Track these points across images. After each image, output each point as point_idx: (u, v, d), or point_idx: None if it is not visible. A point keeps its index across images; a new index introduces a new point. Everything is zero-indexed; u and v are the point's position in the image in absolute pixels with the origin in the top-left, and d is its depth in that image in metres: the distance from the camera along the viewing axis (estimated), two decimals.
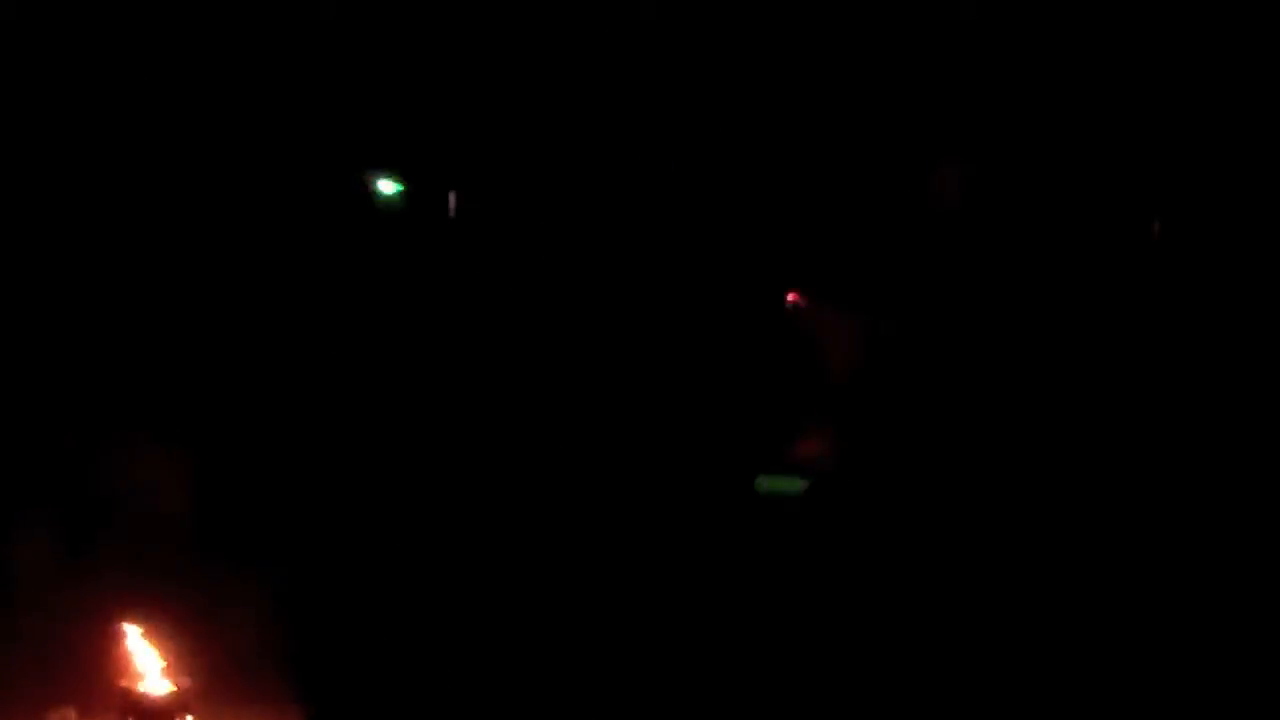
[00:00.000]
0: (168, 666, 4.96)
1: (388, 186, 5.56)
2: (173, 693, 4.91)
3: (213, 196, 5.56)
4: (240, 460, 5.37)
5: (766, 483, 5.49)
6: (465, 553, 5.44)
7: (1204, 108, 5.49)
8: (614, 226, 5.62)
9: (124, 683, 4.92)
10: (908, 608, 5.32)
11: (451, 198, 5.61)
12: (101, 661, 4.96)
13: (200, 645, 5.04)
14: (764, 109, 5.60)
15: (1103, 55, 5.51)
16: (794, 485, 5.48)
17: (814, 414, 5.53)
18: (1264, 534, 5.28)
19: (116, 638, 4.96)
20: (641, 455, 5.53)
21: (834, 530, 5.44)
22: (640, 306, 5.60)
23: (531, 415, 5.55)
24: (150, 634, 4.99)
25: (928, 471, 5.45)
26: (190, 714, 4.91)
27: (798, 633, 5.32)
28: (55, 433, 5.27)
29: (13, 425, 5.28)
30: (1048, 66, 5.53)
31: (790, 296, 5.55)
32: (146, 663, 4.95)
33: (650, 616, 5.36)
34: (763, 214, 5.61)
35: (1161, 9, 5.48)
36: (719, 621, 5.35)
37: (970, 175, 5.51)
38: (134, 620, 4.99)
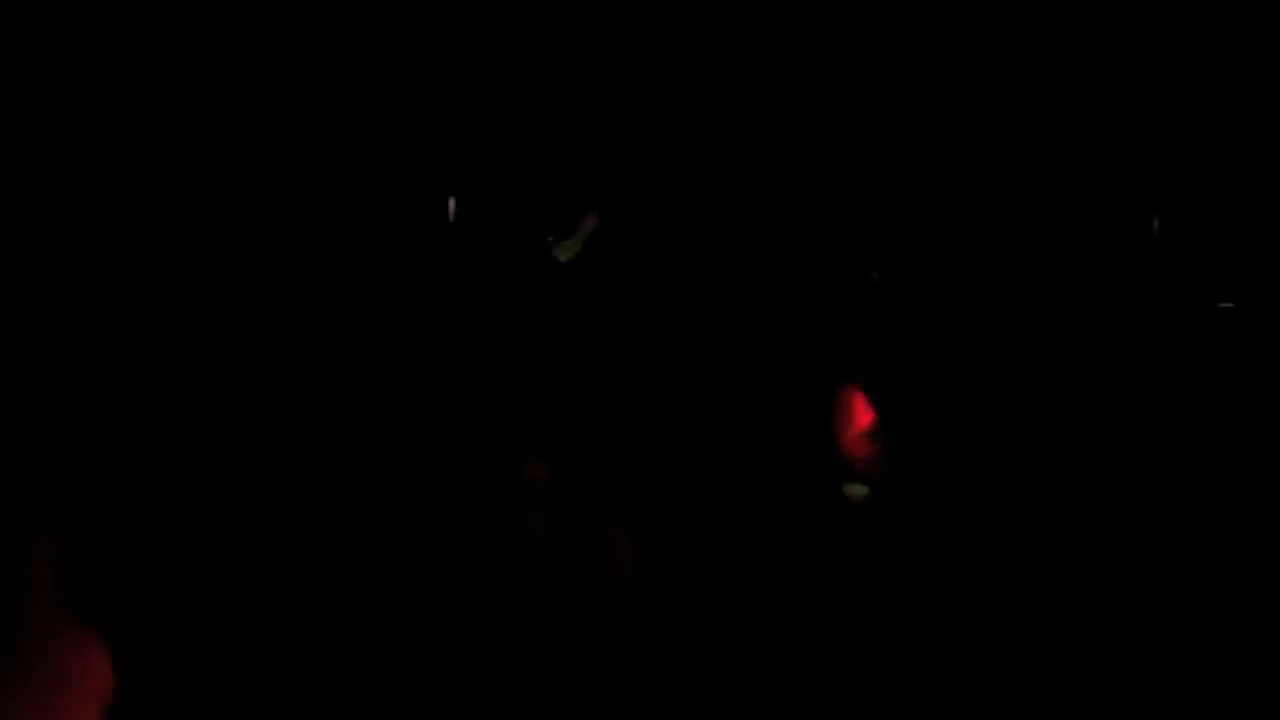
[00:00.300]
0: None
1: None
2: None
3: (210, 202, 5.54)
4: (246, 471, 5.35)
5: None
6: (462, 556, 5.44)
7: (1204, 107, 5.50)
8: (613, 229, 5.61)
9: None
10: (902, 608, 5.34)
11: (451, 203, 5.61)
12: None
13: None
14: (759, 109, 5.60)
15: (1101, 54, 5.51)
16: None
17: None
18: (1264, 534, 5.30)
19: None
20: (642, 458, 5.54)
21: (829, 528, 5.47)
22: (642, 309, 5.59)
23: (534, 419, 5.54)
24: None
25: (923, 471, 5.46)
26: None
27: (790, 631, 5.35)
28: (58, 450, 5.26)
29: (15, 443, 5.26)
30: (1046, 64, 5.53)
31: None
32: None
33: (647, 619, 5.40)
34: (760, 215, 5.61)
35: (1161, 9, 5.49)
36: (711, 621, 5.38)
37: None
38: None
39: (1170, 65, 5.49)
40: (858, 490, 5.40)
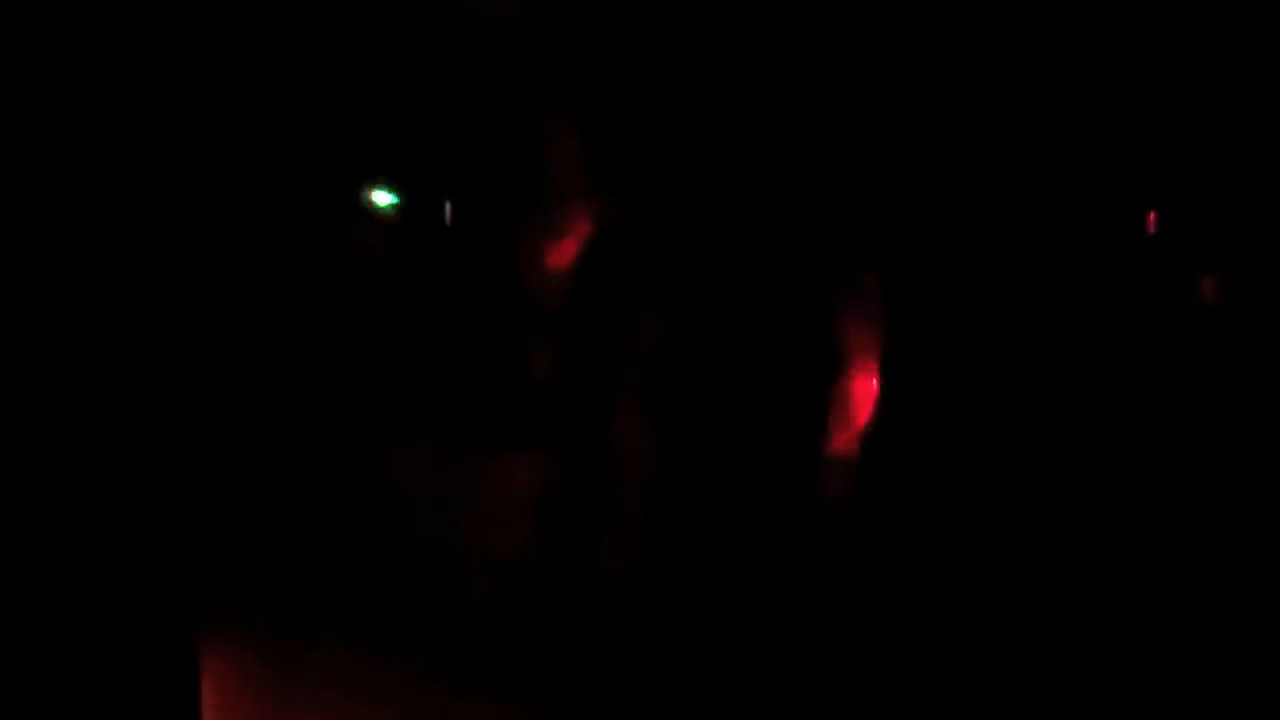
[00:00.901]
0: None
1: (383, 198, 5.55)
2: None
3: (207, 205, 5.55)
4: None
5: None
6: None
7: (1203, 104, 5.49)
8: (611, 233, 5.62)
9: None
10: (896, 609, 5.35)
11: (447, 207, 5.61)
12: None
13: None
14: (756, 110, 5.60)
15: (1101, 52, 5.51)
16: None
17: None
18: (1264, 534, 5.30)
19: None
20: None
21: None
22: (637, 312, 5.60)
23: (527, 420, 5.56)
24: None
25: (920, 474, 5.47)
26: None
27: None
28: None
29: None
30: (1045, 61, 5.52)
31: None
32: None
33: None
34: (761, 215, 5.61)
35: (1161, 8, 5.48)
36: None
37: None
38: None
39: (1170, 65, 5.49)
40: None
